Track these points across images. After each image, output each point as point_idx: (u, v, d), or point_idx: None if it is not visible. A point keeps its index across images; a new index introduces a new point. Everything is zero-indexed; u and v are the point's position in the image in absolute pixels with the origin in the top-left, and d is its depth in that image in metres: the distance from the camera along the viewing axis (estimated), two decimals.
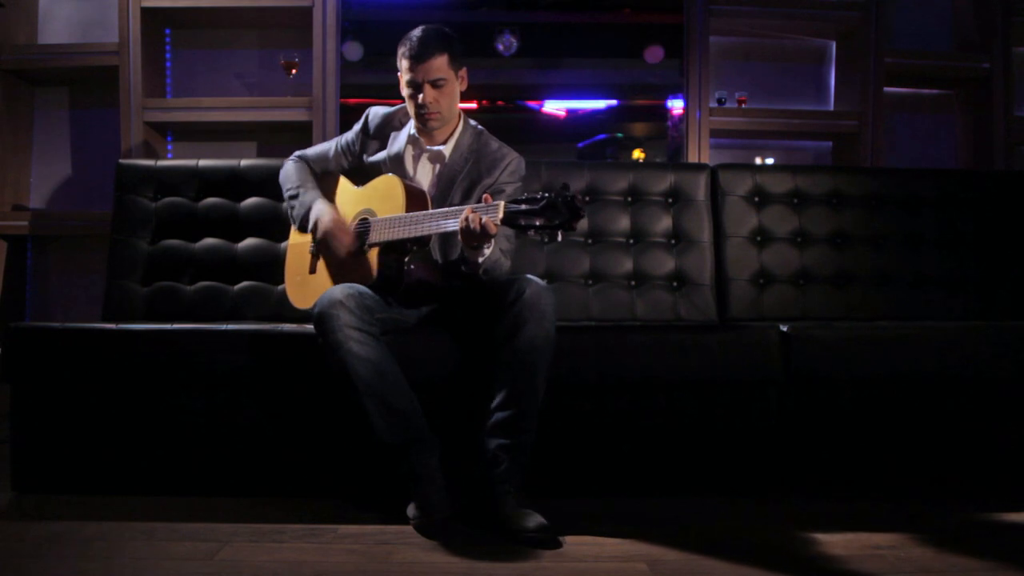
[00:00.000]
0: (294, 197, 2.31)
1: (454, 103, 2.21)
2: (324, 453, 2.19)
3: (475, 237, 1.91)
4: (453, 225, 1.93)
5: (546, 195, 1.77)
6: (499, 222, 1.84)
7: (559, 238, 1.81)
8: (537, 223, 1.77)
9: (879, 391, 2.28)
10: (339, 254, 2.17)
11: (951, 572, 1.66)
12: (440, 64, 2.13)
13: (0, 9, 3.24)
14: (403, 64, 2.16)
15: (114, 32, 3.30)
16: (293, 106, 3.25)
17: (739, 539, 1.85)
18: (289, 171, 2.39)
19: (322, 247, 2.22)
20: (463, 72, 2.21)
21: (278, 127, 3.36)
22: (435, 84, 2.14)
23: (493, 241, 2.00)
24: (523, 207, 1.78)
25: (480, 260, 2.02)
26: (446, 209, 2.00)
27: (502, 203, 1.83)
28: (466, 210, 1.91)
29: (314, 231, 2.21)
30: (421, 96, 2.14)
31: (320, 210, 2.22)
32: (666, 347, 2.19)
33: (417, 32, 2.15)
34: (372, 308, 2.00)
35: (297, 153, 2.44)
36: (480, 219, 1.87)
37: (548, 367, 1.96)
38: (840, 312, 2.85)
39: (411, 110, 2.20)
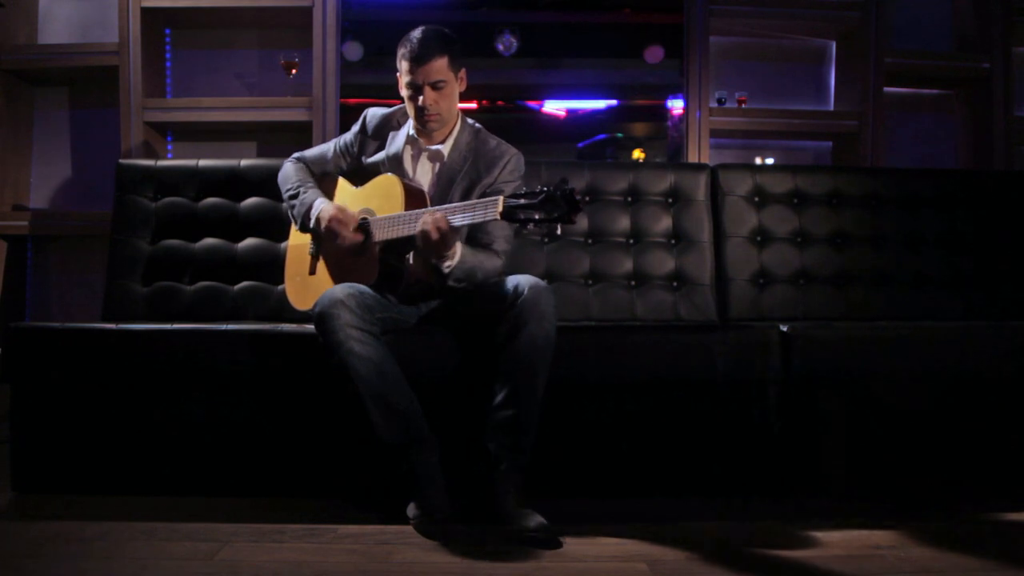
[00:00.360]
0: (294, 196, 2.29)
1: (454, 104, 2.21)
2: (324, 453, 2.19)
3: (432, 244, 1.93)
4: (453, 222, 1.94)
5: (545, 189, 1.77)
6: (499, 215, 1.84)
7: (558, 231, 1.81)
8: (536, 217, 1.77)
9: (879, 391, 2.28)
10: (342, 246, 2.16)
11: (951, 572, 1.66)
12: (440, 66, 2.12)
13: (0, 9, 3.24)
14: (403, 66, 2.15)
15: (114, 32, 3.29)
16: (293, 106, 3.25)
17: (739, 539, 1.85)
18: (288, 171, 2.37)
19: (326, 239, 2.20)
20: (463, 73, 2.20)
21: (278, 127, 3.36)
22: (435, 86, 2.13)
23: (459, 251, 2.02)
24: (522, 201, 1.79)
25: (445, 270, 2.02)
26: (446, 206, 2.00)
27: (501, 197, 1.84)
28: (424, 214, 1.92)
29: (316, 226, 2.19)
30: (421, 98, 2.13)
31: (322, 206, 2.20)
32: (666, 347, 2.20)
33: (417, 33, 2.14)
34: (373, 308, 2.00)
35: (295, 155, 2.43)
36: (437, 226, 1.89)
37: (548, 367, 1.95)
38: (840, 312, 2.85)
39: (411, 111, 2.20)
